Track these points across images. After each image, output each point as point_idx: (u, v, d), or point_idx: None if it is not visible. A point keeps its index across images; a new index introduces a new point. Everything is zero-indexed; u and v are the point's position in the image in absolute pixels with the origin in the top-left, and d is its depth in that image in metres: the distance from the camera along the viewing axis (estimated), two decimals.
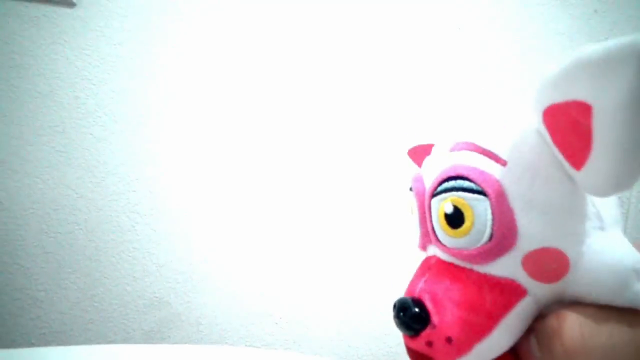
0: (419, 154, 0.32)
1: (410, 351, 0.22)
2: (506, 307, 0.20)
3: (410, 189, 0.25)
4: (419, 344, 0.21)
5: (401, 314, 0.21)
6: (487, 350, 0.20)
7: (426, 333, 0.21)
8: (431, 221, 0.22)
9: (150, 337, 0.76)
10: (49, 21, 0.77)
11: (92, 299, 0.75)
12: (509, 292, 0.20)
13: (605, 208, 0.20)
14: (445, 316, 0.20)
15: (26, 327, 0.74)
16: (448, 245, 0.21)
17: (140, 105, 0.78)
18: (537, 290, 0.20)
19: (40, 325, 0.74)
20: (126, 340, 0.75)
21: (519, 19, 0.86)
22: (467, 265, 0.21)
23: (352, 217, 0.81)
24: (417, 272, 0.25)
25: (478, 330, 0.20)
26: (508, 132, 0.21)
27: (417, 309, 0.21)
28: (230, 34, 0.80)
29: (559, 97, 0.17)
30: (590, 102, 0.16)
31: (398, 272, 0.81)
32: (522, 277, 0.20)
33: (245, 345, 0.78)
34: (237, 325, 0.78)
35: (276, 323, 0.79)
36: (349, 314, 0.80)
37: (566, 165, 0.19)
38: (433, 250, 0.24)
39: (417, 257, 0.26)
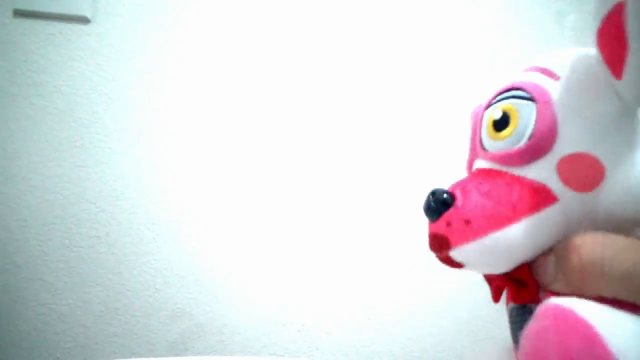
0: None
1: (430, 237, 0.23)
2: (533, 207, 0.20)
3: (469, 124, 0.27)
4: (439, 225, 0.22)
5: (432, 202, 0.22)
6: (504, 242, 0.20)
7: (447, 213, 0.22)
8: (480, 132, 0.24)
9: (173, 348, 0.76)
10: (64, 38, 0.78)
11: (115, 311, 0.76)
12: (540, 195, 0.20)
13: None
14: (470, 201, 0.21)
15: (51, 342, 0.74)
16: (492, 150, 0.22)
17: (157, 118, 0.79)
18: (569, 200, 0.20)
19: (65, 339, 0.75)
20: (150, 352, 0.75)
21: (529, 15, 0.85)
22: (505, 169, 0.22)
23: (373, 224, 0.81)
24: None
25: (498, 218, 0.20)
26: (566, 55, 0.22)
27: (445, 195, 0.22)
28: (247, 49, 0.81)
29: (607, 6, 0.18)
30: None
31: (420, 277, 0.80)
32: (555, 183, 0.20)
33: (269, 354, 0.78)
34: (259, 334, 0.78)
35: (298, 331, 0.78)
36: (371, 319, 0.79)
37: (611, 78, 0.19)
38: (476, 165, 0.25)
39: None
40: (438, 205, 0.22)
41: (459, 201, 0.21)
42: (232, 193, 0.79)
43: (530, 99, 0.21)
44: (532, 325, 0.18)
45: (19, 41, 0.77)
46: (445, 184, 0.23)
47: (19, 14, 0.77)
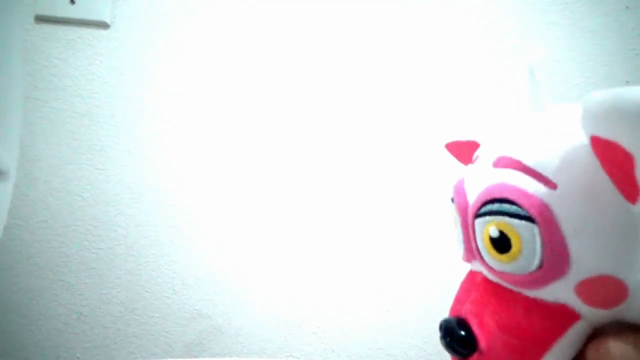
0: (459, 149, 0.31)
1: None
2: (557, 333, 0.19)
3: (452, 200, 0.24)
4: None
5: (447, 338, 0.21)
6: None
7: (473, 359, 0.20)
8: (476, 240, 0.21)
9: (191, 349, 0.77)
10: (84, 43, 0.80)
11: (133, 312, 0.77)
12: (561, 317, 0.19)
13: None
14: (494, 342, 0.20)
15: (71, 341, 0.75)
16: (495, 268, 0.20)
17: (176, 122, 0.80)
18: (593, 315, 0.19)
19: (84, 339, 0.76)
20: (168, 353, 0.76)
21: (547, 18, 0.85)
22: (516, 289, 0.20)
23: (389, 226, 0.81)
24: (462, 287, 0.24)
25: (527, 358, 0.19)
26: (556, 149, 0.19)
27: (463, 332, 0.20)
28: (264, 53, 0.82)
29: (603, 133, 0.16)
30: (632, 153, 0.15)
31: (435, 279, 0.80)
32: (575, 302, 0.19)
33: (285, 356, 0.78)
34: (275, 335, 0.78)
35: (314, 332, 0.79)
36: (387, 321, 0.79)
37: (621, 195, 0.17)
38: (479, 267, 0.23)
39: (454, 266, 0.25)
40: (458, 345, 0.20)
41: (482, 343, 0.20)
42: (250, 196, 0.79)
43: (528, 218, 0.18)
44: None
45: (40, 46, 0.79)
46: (458, 303, 0.22)
47: (41, 19, 0.79)
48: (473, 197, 0.21)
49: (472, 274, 0.24)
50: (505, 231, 0.19)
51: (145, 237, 0.77)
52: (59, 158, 0.78)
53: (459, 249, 0.24)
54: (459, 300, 0.23)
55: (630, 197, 0.17)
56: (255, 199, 0.80)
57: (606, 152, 0.16)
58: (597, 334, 0.19)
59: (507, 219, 0.19)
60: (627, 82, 0.85)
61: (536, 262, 0.19)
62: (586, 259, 0.18)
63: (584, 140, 0.18)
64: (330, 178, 0.81)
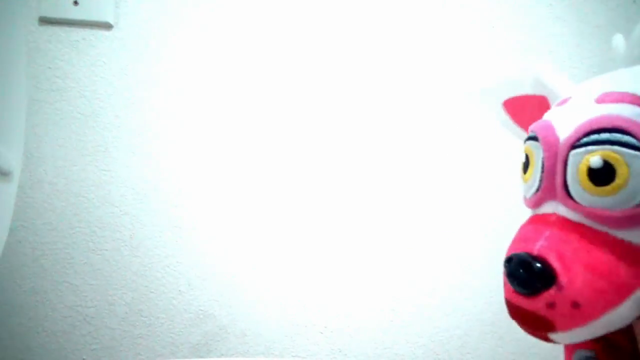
0: (522, 106, 0.28)
1: (520, 312, 0.20)
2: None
3: (532, 138, 0.22)
4: (537, 304, 0.19)
5: (521, 270, 0.19)
6: (616, 320, 0.18)
7: (549, 293, 0.19)
8: (563, 175, 0.20)
9: (197, 350, 0.76)
10: (88, 44, 0.80)
11: (139, 313, 0.76)
12: None
13: None
14: (576, 279, 0.18)
15: (78, 343, 0.75)
16: (585, 203, 0.19)
17: (180, 123, 0.79)
18: None
19: (91, 341, 0.76)
20: (174, 353, 0.76)
21: (553, 13, 0.84)
22: (602, 229, 0.19)
23: (396, 226, 0.80)
24: (527, 229, 0.22)
25: (610, 299, 0.18)
26: None
27: (540, 266, 0.19)
28: (268, 53, 0.81)
29: None
30: None
31: (442, 279, 0.79)
32: None
33: (291, 356, 0.77)
34: (281, 335, 0.78)
35: (321, 332, 0.78)
36: (394, 321, 0.79)
37: None
38: (552, 208, 0.21)
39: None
40: (533, 279, 0.19)
41: (562, 278, 0.18)
42: (256, 197, 0.79)
43: None
44: None
45: (44, 48, 0.79)
46: (525, 241, 0.20)
47: (44, 21, 0.79)
48: (569, 130, 0.20)
49: (540, 217, 0.22)
50: (612, 161, 0.18)
51: (151, 238, 0.77)
52: (63, 159, 0.78)
53: (528, 191, 0.22)
54: (525, 239, 0.21)
55: None
56: (261, 199, 0.79)
57: None
58: None
59: (617, 147, 0.18)
60: None
61: None
62: None
63: None
64: (337, 179, 0.80)
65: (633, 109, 0.18)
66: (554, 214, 0.21)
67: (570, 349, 0.22)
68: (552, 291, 0.19)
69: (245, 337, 0.77)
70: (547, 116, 0.22)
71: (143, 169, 0.78)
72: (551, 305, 0.19)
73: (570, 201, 0.20)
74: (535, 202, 0.22)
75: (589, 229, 0.19)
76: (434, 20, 0.83)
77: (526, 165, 0.23)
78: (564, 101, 0.22)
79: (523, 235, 0.21)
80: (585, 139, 0.19)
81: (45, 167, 0.77)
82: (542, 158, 0.21)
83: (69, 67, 0.79)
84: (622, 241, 0.18)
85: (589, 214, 0.19)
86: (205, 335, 0.77)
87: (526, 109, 0.27)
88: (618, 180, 0.18)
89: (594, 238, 0.19)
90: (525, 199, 0.23)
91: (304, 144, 0.81)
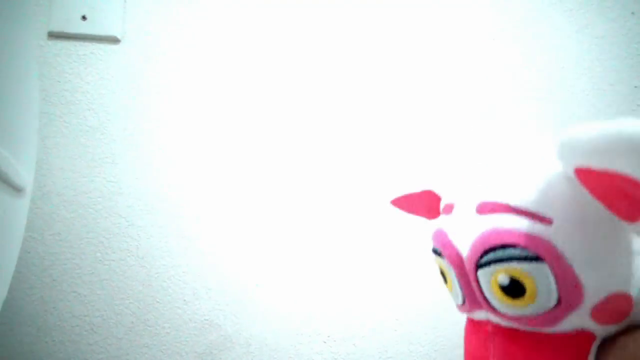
0: (409, 203, 0.30)
1: None
2: (582, 357, 0.19)
3: (436, 252, 0.24)
4: None
5: None
6: None
7: None
8: (480, 291, 0.21)
9: (202, 359, 0.77)
10: (96, 58, 0.81)
11: (145, 323, 0.77)
12: (582, 342, 0.19)
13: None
14: None
15: (85, 352, 0.76)
16: (509, 313, 0.20)
17: (187, 135, 0.81)
18: (604, 332, 0.20)
19: (97, 350, 0.77)
20: None
21: (553, 25, 0.85)
22: (534, 330, 0.20)
23: (399, 235, 0.81)
24: (471, 341, 0.24)
25: None
26: (538, 184, 0.19)
27: None
28: (275, 68, 0.83)
29: (595, 164, 0.16)
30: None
31: (446, 288, 0.80)
32: (590, 325, 0.19)
33: None
34: (286, 345, 0.79)
35: (324, 342, 0.79)
36: (397, 331, 0.79)
37: (614, 216, 0.18)
38: (484, 315, 0.22)
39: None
40: None
41: None
42: (260, 207, 0.80)
43: (536, 258, 0.18)
44: None
45: (53, 62, 0.81)
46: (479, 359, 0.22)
47: (53, 36, 0.81)
48: (466, 248, 0.21)
49: (476, 325, 0.23)
50: (516, 276, 0.19)
51: (157, 248, 0.78)
52: (72, 171, 0.79)
53: (455, 300, 0.24)
54: (474, 357, 0.22)
55: (632, 216, 0.17)
56: (265, 209, 0.80)
57: (599, 180, 0.17)
58: (606, 341, 0.20)
59: (514, 264, 0.19)
60: (635, 87, 0.85)
61: (553, 299, 0.19)
62: (596, 282, 0.18)
63: (560, 171, 0.18)
64: (341, 188, 0.81)
65: (508, 218, 0.19)
66: (488, 322, 0.22)
67: None
68: None
69: (250, 347, 0.78)
70: (440, 224, 0.24)
71: (150, 180, 0.79)
72: None
73: (496, 312, 0.21)
74: (467, 310, 0.24)
75: (524, 333, 0.21)
76: (435, 33, 0.85)
77: (444, 277, 0.24)
78: (449, 208, 0.23)
79: (471, 351, 0.23)
80: (484, 259, 0.20)
81: (54, 179, 0.79)
82: (455, 274, 0.22)
83: (78, 81, 0.81)
84: (554, 335, 0.20)
85: (516, 321, 0.20)
86: (210, 345, 0.78)
87: (417, 204, 0.28)
88: (529, 292, 0.19)
89: (532, 342, 0.20)
90: (457, 305, 0.25)
91: (309, 156, 0.82)
